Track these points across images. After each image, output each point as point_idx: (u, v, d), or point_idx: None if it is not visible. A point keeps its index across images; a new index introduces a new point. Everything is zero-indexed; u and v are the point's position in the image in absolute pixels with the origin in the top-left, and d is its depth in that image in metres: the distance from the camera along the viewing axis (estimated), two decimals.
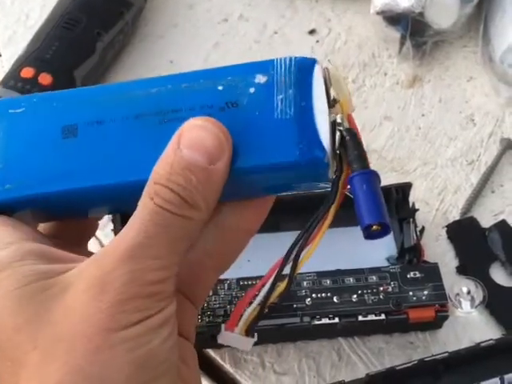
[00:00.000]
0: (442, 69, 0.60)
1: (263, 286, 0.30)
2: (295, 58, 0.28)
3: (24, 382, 0.24)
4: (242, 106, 0.27)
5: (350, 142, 0.27)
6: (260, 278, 0.44)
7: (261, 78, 0.27)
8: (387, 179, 0.53)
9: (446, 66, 0.60)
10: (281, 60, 0.28)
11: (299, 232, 0.48)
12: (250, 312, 0.30)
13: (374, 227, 0.26)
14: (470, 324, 0.46)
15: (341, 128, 0.27)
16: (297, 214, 0.49)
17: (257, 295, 0.30)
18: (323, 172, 0.27)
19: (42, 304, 0.24)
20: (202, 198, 0.25)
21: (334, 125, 0.27)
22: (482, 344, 0.42)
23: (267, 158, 0.26)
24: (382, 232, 0.26)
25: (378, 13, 0.59)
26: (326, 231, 0.29)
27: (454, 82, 0.59)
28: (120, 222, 0.46)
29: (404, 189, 0.48)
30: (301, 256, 0.29)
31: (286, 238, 0.48)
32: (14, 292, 0.24)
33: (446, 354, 0.42)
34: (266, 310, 0.29)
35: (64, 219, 0.31)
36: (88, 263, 0.25)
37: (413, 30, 0.58)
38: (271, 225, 0.47)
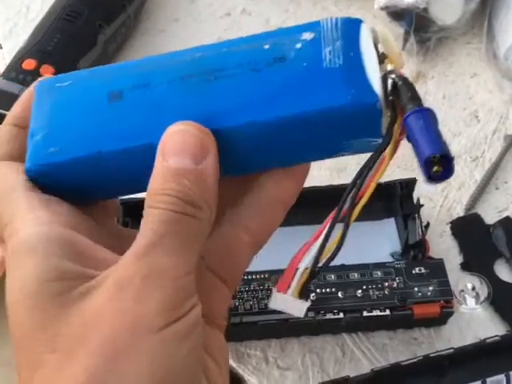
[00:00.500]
0: (446, 65, 0.60)
1: (314, 242, 0.28)
2: (341, 17, 0.27)
3: (37, 382, 0.23)
4: (289, 60, 0.26)
5: (402, 87, 0.25)
6: (265, 272, 0.44)
7: (307, 35, 0.27)
8: (391, 175, 0.53)
9: (450, 63, 0.60)
10: (326, 20, 0.27)
11: (298, 226, 0.49)
12: (302, 271, 0.27)
13: (436, 168, 0.24)
14: (474, 320, 0.46)
15: (392, 75, 0.26)
16: (300, 209, 0.49)
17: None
18: (376, 120, 0.26)
19: (60, 306, 0.23)
20: (199, 198, 0.25)
21: (385, 75, 0.26)
22: (488, 340, 0.42)
23: (317, 104, 0.25)
24: (446, 171, 0.24)
25: (381, 8, 0.59)
26: (379, 179, 0.27)
27: (457, 79, 0.59)
28: (122, 214, 0.46)
29: (408, 184, 0.48)
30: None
31: (289, 232, 0.48)
32: (32, 287, 0.24)
33: (452, 350, 0.42)
34: (319, 267, 0.27)
35: (99, 196, 0.29)
36: (109, 270, 0.24)
37: (417, 26, 0.58)
38: None
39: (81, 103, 0.28)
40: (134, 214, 0.45)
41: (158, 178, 0.25)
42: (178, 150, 0.25)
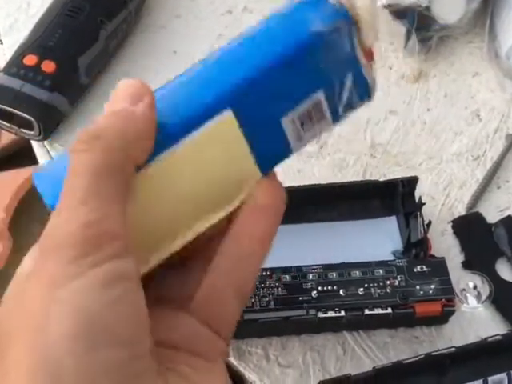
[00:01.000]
0: (448, 64, 0.60)
1: None
2: None
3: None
4: None
5: None
6: (267, 269, 0.44)
7: None
8: (392, 174, 0.53)
9: (452, 62, 0.60)
10: None
11: (302, 224, 0.48)
12: None
13: None
14: (475, 319, 0.46)
15: None
16: (302, 207, 0.49)
17: None
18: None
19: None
20: (112, 132, 0.25)
21: None
22: (489, 339, 0.42)
23: None
24: None
25: (384, 6, 0.59)
26: None
27: (459, 78, 0.59)
28: None
29: (410, 183, 0.48)
30: None
31: (293, 230, 0.48)
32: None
33: (453, 349, 0.42)
34: None
35: None
36: None
37: (419, 25, 0.58)
38: None
39: None
40: None
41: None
42: (115, 98, 0.26)
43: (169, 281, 0.30)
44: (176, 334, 0.27)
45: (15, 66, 0.53)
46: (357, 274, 0.44)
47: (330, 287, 0.44)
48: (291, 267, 0.44)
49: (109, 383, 0.22)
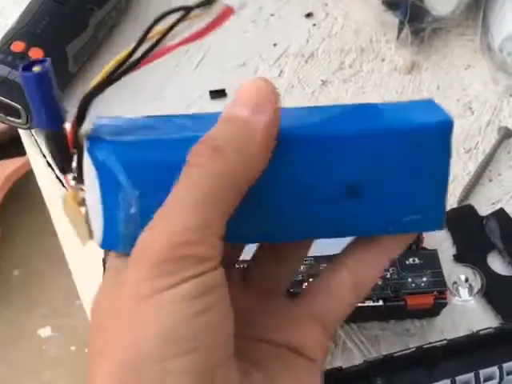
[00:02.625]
0: (440, 56, 0.59)
1: None
2: None
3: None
4: None
5: None
6: None
7: None
8: None
9: (444, 54, 0.60)
10: None
11: None
12: None
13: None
14: (467, 312, 0.46)
15: None
16: None
17: None
18: None
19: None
20: (231, 146, 0.23)
21: None
22: (481, 332, 0.42)
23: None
24: None
25: None
26: None
27: (452, 70, 0.58)
28: None
29: None
30: None
31: None
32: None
33: (445, 342, 0.41)
34: None
35: None
36: None
37: (412, 16, 0.58)
38: None
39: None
40: None
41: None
42: (238, 100, 0.24)
43: (261, 271, 0.30)
44: (277, 328, 0.27)
45: (2, 52, 0.52)
46: None
47: None
48: None
49: None
